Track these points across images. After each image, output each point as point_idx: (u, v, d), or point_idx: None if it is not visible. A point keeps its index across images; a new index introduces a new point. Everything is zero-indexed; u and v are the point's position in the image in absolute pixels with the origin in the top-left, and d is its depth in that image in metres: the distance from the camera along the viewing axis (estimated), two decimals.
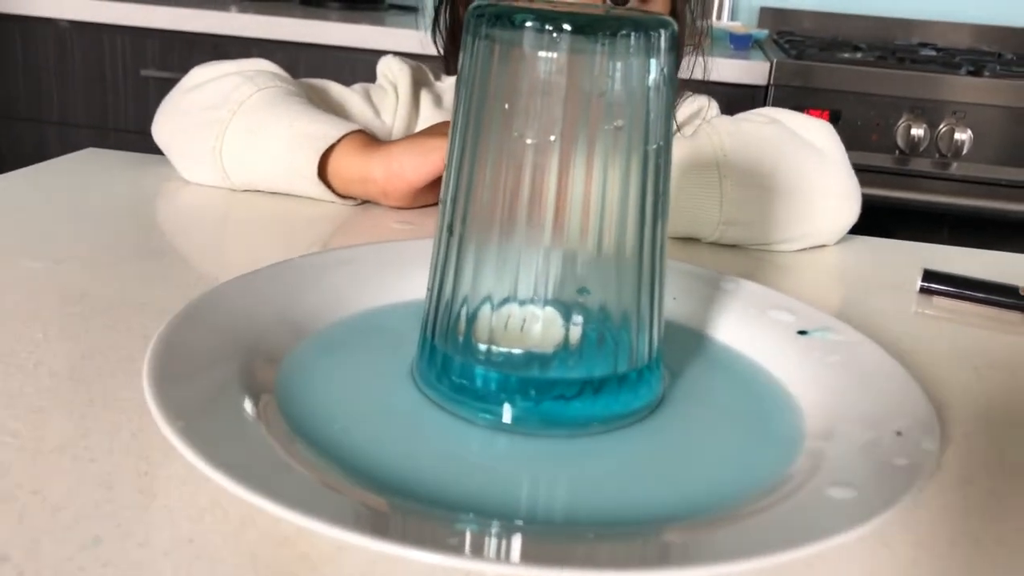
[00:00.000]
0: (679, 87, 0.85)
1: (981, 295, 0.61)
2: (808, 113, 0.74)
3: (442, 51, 0.90)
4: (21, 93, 1.87)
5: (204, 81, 0.74)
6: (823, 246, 0.72)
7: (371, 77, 0.88)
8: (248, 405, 0.37)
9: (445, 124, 0.74)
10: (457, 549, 0.29)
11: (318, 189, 0.70)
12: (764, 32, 1.95)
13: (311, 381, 0.41)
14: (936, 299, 0.62)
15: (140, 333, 0.47)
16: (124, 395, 0.40)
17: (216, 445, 0.32)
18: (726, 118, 0.72)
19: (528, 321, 0.39)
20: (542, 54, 0.36)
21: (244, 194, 0.73)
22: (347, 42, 1.71)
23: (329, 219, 0.70)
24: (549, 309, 0.39)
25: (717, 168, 0.66)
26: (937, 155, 1.61)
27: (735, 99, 1.66)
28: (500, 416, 0.39)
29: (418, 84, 0.87)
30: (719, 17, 2.07)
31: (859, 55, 1.75)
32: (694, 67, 0.90)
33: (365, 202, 0.73)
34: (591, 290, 0.39)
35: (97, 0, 1.78)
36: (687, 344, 0.48)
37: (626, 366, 0.40)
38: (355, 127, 0.70)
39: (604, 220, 0.38)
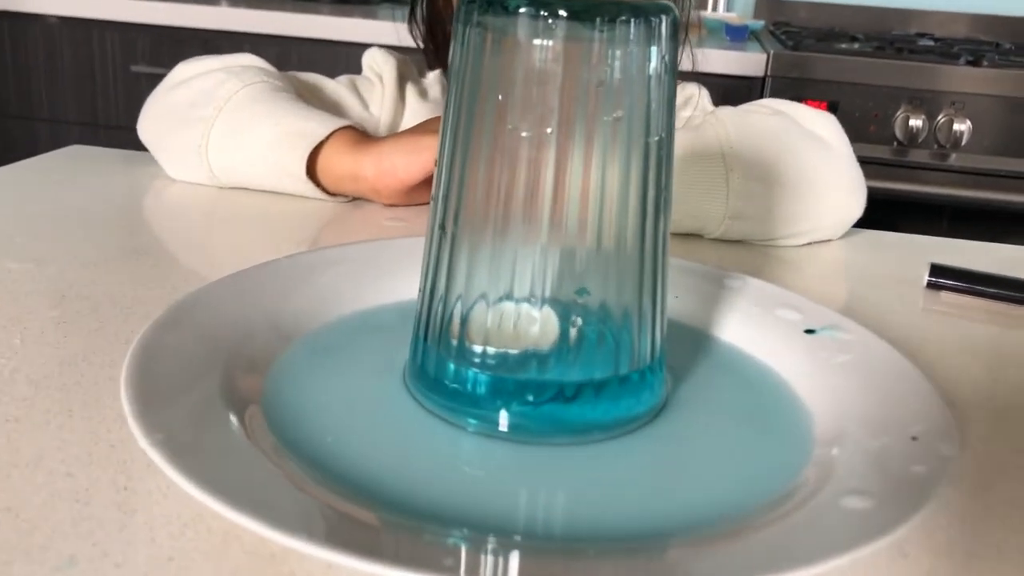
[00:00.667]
0: None
1: (990, 290, 0.59)
2: (806, 104, 0.72)
3: (421, 45, 0.88)
4: (11, 90, 1.85)
5: (189, 77, 0.72)
6: (827, 240, 0.70)
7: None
8: (233, 416, 0.35)
9: (437, 120, 0.72)
10: (452, 570, 0.27)
11: (307, 187, 0.68)
12: (760, 23, 1.93)
13: (299, 390, 0.39)
14: (944, 294, 0.60)
15: (123, 338, 0.45)
16: (104, 404, 0.39)
17: (198, 459, 0.31)
18: (731, 109, 0.70)
19: (524, 320, 0.37)
20: (537, 42, 0.34)
21: (231, 191, 0.71)
22: (339, 36, 1.69)
23: (318, 216, 0.68)
24: (546, 307, 0.37)
25: (723, 160, 0.64)
26: (936, 146, 1.60)
27: (732, 91, 1.64)
28: (496, 424, 0.37)
29: (403, 76, 0.85)
30: (715, 8, 2.05)
31: (856, 45, 1.73)
32: (682, 58, 0.88)
33: (355, 198, 0.72)
34: (591, 289, 0.37)
35: None
36: (690, 344, 0.46)
37: (628, 367, 0.39)
38: (343, 123, 0.69)
39: (603, 216, 0.36)
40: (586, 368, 0.38)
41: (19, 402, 0.39)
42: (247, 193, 0.71)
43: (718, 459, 0.37)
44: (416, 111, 0.84)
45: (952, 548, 0.33)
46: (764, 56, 1.61)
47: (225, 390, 0.37)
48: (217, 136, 0.68)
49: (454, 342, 0.38)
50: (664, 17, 0.35)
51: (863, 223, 0.71)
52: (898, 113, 1.59)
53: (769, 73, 1.61)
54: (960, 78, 1.58)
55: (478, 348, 0.38)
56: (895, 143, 1.60)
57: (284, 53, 1.71)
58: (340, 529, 0.30)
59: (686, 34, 0.83)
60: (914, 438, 0.36)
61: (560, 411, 0.38)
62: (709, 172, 0.64)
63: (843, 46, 1.72)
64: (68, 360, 0.42)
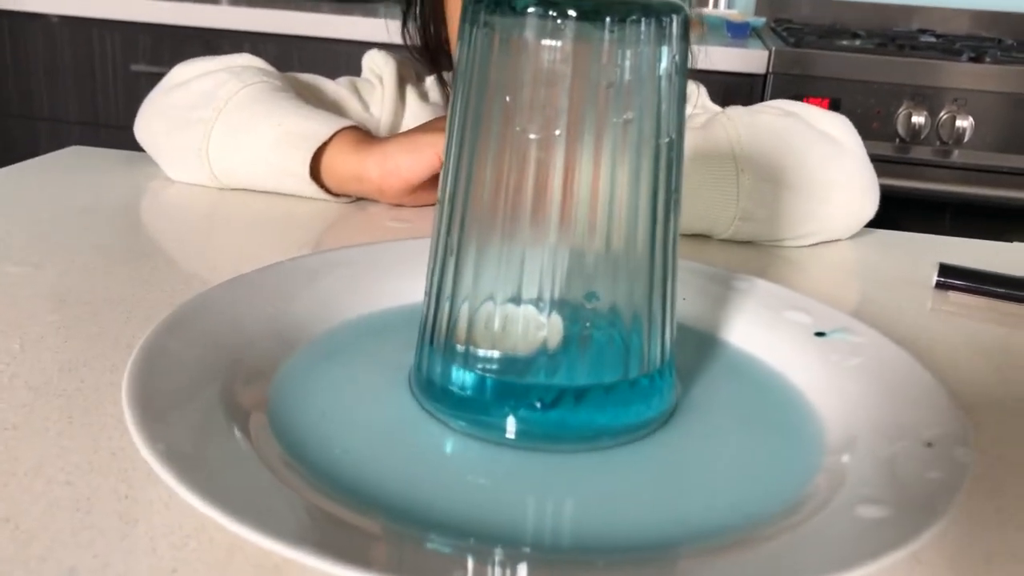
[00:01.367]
0: None
1: (1000, 290, 0.58)
2: (807, 102, 0.71)
3: (416, 52, 0.87)
4: (11, 89, 1.84)
5: (187, 79, 0.71)
6: (835, 240, 0.69)
7: None
8: (236, 424, 0.34)
9: (441, 120, 0.71)
10: None
11: (311, 188, 0.68)
12: (762, 20, 1.92)
13: (304, 397, 0.39)
14: (953, 294, 0.59)
15: (124, 343, 0.44)
16: (105, 411, 0.38)
17: (201, 469, 0.30)
18: (741, 108, 0.70)
19: (532, 323, 0.36)
20: (546, 42, 0.33)
21: (233, 192, 0.71)
22: (340, 34, 1.69)
23: (321, 217, 0.67)
24: (554, 311, 0.36)
25: (734, 160, 0.64)
26: (938, 143, 1.59)
27: (734, 88, 1.64)
28: (504, 430, 0.37)
29: (403, 78, 0.85)
30: (716, 5, 2.04)
31: (858, 42, 1.73)
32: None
33: (359, 199, 0.71)
34: (600, 292, 0.36)
35: None
36: (699, 347, 0.46)
37: (638, 371, 0.38)
38: (345, 123, 0.68)
39: (613, 218, 0.35)
40: (595, 371, 0.38)
41: (18, 409, 0.38)
42: (249, 194, 0.71)
43: (729, 466, 0.37)
44: (416, 112, 0.83)
45: (967, 553, 0.33)
46: (766, 53, 1.61)
47: (228, 397, 0.36)
48: (218, 137, 0.68)
49: (460, 346, 0.38)
50: (675, 16, 0.34)
51: (868, 221, 0.71)
52: (900, 110, 1.58)
53: (771, 70, 1.60)
54: (962, 74, 1.58)
55: (484, 352, 0.37)
56: (897, 140, 1.59)
57: (285, 52, 1.70)
58: (346, 540, 0.29)
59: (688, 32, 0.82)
60: (929, 444, 0.35)
61: (568, 416, 0.37)
62: (720, 173, 0.64)
63: (845, 43, 1.71)
64: (68, 366, 0.42)
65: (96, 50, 1.79)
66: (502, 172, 0.35)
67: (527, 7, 0.33)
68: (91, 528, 0.31)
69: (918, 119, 1.57)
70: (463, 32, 0.35)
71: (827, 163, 0.66)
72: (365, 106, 0.82)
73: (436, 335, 0.39)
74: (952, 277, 0.59)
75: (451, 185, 0.37)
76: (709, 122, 0.68)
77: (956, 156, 1.60)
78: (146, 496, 0.33)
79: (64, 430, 0.37)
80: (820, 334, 0.45)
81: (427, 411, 0.38)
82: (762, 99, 1.61)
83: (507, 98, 0.34)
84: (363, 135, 0.69)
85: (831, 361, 0.43)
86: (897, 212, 1.61)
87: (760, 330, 0.46)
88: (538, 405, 0.37)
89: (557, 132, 0.34)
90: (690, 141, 0.65)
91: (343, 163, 0.67)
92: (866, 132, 1.57)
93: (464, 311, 0.37)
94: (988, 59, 1.60)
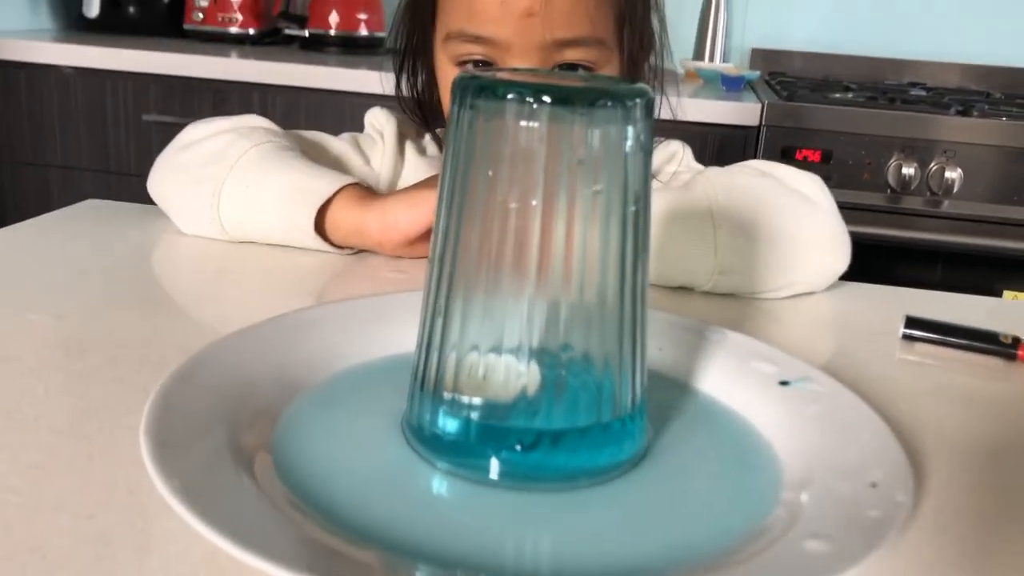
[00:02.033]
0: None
1: (963, 341, 0.62)
2: (800, 153, 0.75)
3: (409, 110, 0.91)
4: (26, 138, 1.89)
5: (199, 139, 0.76)
6: (811, 293, 0.73)
7: None
8: (243, 463, 0.38)
9: (436, 178, 0.75)
10: None
11: (316, 242, 0.72)
12: (756, 73, 1.97)
13: (305, 439, 0.42)
14: (918, 345, 0.63)
15: (139, 387, 0.48)
16: (122, 451, 0.42)
17: (211, 503, 0.33)
18: (719, 169, 0.74)
19: (512, 371, 0.40)
20: (523, 123, 0.37)
21: (241, 245, 0.75)
22: (346, 86, 1.73)
23: (324, 269, 0.71)
24: (532, 359, 0.40)
25: (711, 218, 0.68)
26: (928, 193, 1.63)
27: (728, 140, 1.68)
28: (487, 471, 0.40)
29: (403, 135, 0.89)
30: (712, 59, 2.10)
31: (850, 95, 1.77)
32: (660, 109, 0.90)
33: (361, 251, 0.75)
34: (574, 342, 0.40)
35: (100, 47, 1.81)
36: (671, 395, 0.49)
37: (610, 415, 0.42)
38: (348, 180, 0.72)
39: (585, 276, 0.39)
40: (570, 415, 0.41)
41: (43, 448, 0.42)
42: (256, 247, 0.74)
43: (694, 504, 0.40)
44: (415, 167, 0.88)
45: None
46: (759, 106, 1.65)
47: (236, 439, 0.40)
48: (228, 193, 0.72)
49: (447, 393, 0.41)
50: (639, 100, 0.38)
51: (855, 269, 0.74)
52: (891, 161, 1.62)
53: (764, 123, 1.64)
54: (951, 127, 1.62)
55: (468, 398, 0.41)
56: (888, 190, 1.63)
57: (292, 102, 1.75)
58: (343, 570, 0.33)
59: (661, 85, 0.85)
60: (873, 484, 0.38)
61: (546, 457, 0.41)
62: (698, 229, 0.68)
63: (837, 96, 1.76)
64: (88, 409, 0.45)
65: (108, 100, 1.84)
66: (486, 236, 0.39)
67: (507, 93, 0.37)
68: (111, 558, 0.34)
69: (908, 170, 1.61)
70: (452, 113, 0.40)
71: (800, 220, 0.70)
72: (366, 160, 0.87)
73: (426, 383, 0.42)
74: (918, 328, 0.63)
75: (440, 247, 0.41)
76: (690, 181, 0.72)
77: (946, 206, 1.64)
78: (160, 529, 0.36)
79: (85, 468, 0.40)
80: (784, 383, 0.49)
81: (417, 453, 0.42)
82: (755, 150, 1.66)
83: (490, 172, 0.38)
84: (364, 191, 0.73)
85: (792, 409, 0.46)
86: (889, 261, 1.65)
87: (728, 379, 0.50)
88: (518, 447, 0.40)
89: (534, 202, 0.38)
90: (672, 199, 0.69)
91: (345, 218, 0.71)
92: (857, 183, 1.63)
93: (451, 360, 0.41)
94: (976, 112, 1.65)
